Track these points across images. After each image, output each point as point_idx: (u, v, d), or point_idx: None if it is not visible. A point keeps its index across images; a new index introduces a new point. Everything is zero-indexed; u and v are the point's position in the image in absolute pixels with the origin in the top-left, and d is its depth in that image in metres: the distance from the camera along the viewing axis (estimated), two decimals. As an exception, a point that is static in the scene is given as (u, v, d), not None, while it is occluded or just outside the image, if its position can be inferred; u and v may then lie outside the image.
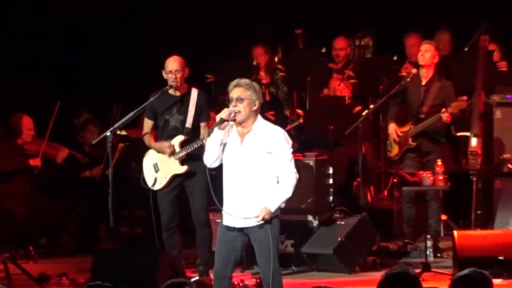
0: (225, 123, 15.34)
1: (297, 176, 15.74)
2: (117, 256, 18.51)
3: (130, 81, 24.02)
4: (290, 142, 15.98)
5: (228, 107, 15.21)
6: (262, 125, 15.62)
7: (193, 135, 18.92)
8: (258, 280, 17.30)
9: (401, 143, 20.28)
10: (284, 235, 19.66)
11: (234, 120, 15.13)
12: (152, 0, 28.73)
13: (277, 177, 15.58)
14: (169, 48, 21.84)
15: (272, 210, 14.97)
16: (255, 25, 24.34)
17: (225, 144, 15.75)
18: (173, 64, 20.19)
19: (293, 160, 15.79)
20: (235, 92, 15.44)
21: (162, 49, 21.72)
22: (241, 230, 15.43)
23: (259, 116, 15.51)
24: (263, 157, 15.59)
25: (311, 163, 20.37)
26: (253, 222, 15.15)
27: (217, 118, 15.56)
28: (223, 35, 23.97)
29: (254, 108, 15.19)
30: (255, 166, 15.68)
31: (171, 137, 19.15)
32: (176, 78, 19.86)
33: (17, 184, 21.67)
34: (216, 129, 15.39)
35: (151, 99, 19.43)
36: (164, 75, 20.22)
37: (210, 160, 15.59)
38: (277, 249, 15.44)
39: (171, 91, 19.82)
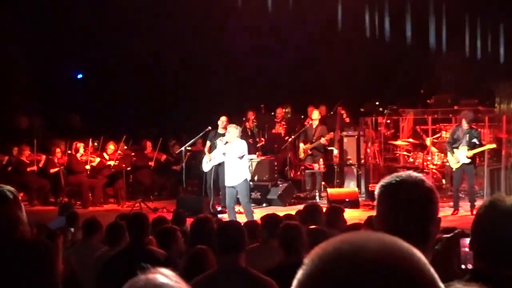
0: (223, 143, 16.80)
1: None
2: (187, 200, 18.72)
3: (193, 125, 21.58)
4: (246, 147, 17.34)
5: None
6: (237, 141, 16.53)
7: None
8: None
9: (305, 152, 20.25)
10: (256, 191, 19.84)
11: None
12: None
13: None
14: (218, 112, 20.55)
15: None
16: (246, 103, 23.22)
17: (224, 153, 17.11)
18: (222, 119, 19.25)
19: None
20: (228, 130, 16.80)
21: (216, 113, 20.75)
22: (233, 186, 16.55)
23: (238, 138, 16.69)
24: (237, 154, 16.50)
25: (267, 161, 20.54)
26: (235, 182, 16.61)
27: (218, 143, 17.60)
28: (233, 107, 22.43)
29: (236, 135, 16.61)
30: (235, 158, 16.59)
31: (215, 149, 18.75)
32: (223, 123, 18.94)
33: (145, 169, 21.45)
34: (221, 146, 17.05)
35: (210, 131, 19.49)
36: (218, 122, 19.28)
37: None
38: (248, 194, 17.06)
39: (219, 130, 19.00)
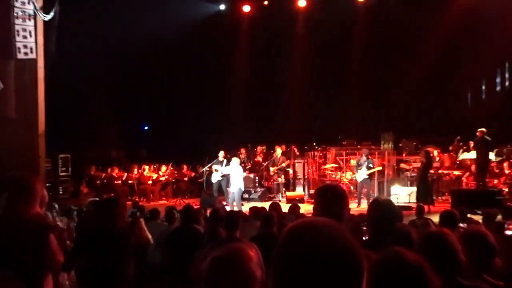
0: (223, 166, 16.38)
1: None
2: (206, 198, 17.78)
3: (211, 156, 20.50)
4: (242, 171, 17.00)
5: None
6: (238, 167, 16.19)
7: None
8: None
9: (273, 172, 20.01)
10: (246, 193, 19.05)
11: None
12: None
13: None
14: (224, 148, 19.79)
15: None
16: (240, 143, 22.52)
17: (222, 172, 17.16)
18: (221, 152, 18.53)
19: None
20: (232, 160, 16.71)
21: (223, 149, 19.89)
22: (233, 192, 16.44)
23: (238, 165, 16.54)
24: (237, 172, 16.14)
25: (252, 176, 20.34)
26: (234, 190, 16.40)
27: (218, 167, 17.65)
28: (233, 145, 21.66)
29: (237, 164, 16.23)
30: (234, 175, 16.44)
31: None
32: (222, 154, 18.46)
33: (183, 181, 20.98)
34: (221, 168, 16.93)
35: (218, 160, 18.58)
36: (219, 154, 18.50)
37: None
38: (239, 197, 16.76)
39: (219, 158, 18.19)
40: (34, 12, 15.90)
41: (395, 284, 2.28)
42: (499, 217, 8.46)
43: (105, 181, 21.12)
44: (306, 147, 22.37)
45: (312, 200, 6.58)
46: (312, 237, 1.46)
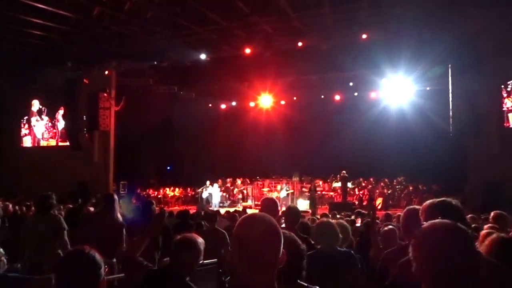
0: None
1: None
2: (200, 205, 16.34)
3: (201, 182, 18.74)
4: (220, 191, 14.96)
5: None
6: (217, 190, 14.58)
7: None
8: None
9: (236, 192, 19.01)
10: (221, 203, 17.92)
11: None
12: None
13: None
14: (208, 179, 18.67)
15: None
16: (218, 177, 19.97)
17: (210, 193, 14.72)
18: (207, 182, 16.80)
19: None
20: (214, 185, 14.75)
21: (208, 179, 18.04)
22: (214, 203, 14.31)
23: (218, 189, 14.63)
24: (217, 192, 15.12)
25: (224, 194, 19.22)
26: (215, 201, 14.65)
27: (208, 189, 15.21)
28: (215, 177, 19.16)
29: (217, 187, 14.14)
30: (215, 193, 15.31)
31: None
32: (208, 183, 16.73)
33: (189, 197, 19.47)
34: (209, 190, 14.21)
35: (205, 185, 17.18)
36: (206, 182, 16.48)
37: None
38: (218, 204, 14.92)
39: (207, 185, 16.79)
40: (110, 105, 16.15)
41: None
42: (353, 216, 8.67)
43: (146, 196, 20.45)
44: (253, 179, 21.73)
45: (257, 207, 6.48)
46: (253, 222, 1.35)
